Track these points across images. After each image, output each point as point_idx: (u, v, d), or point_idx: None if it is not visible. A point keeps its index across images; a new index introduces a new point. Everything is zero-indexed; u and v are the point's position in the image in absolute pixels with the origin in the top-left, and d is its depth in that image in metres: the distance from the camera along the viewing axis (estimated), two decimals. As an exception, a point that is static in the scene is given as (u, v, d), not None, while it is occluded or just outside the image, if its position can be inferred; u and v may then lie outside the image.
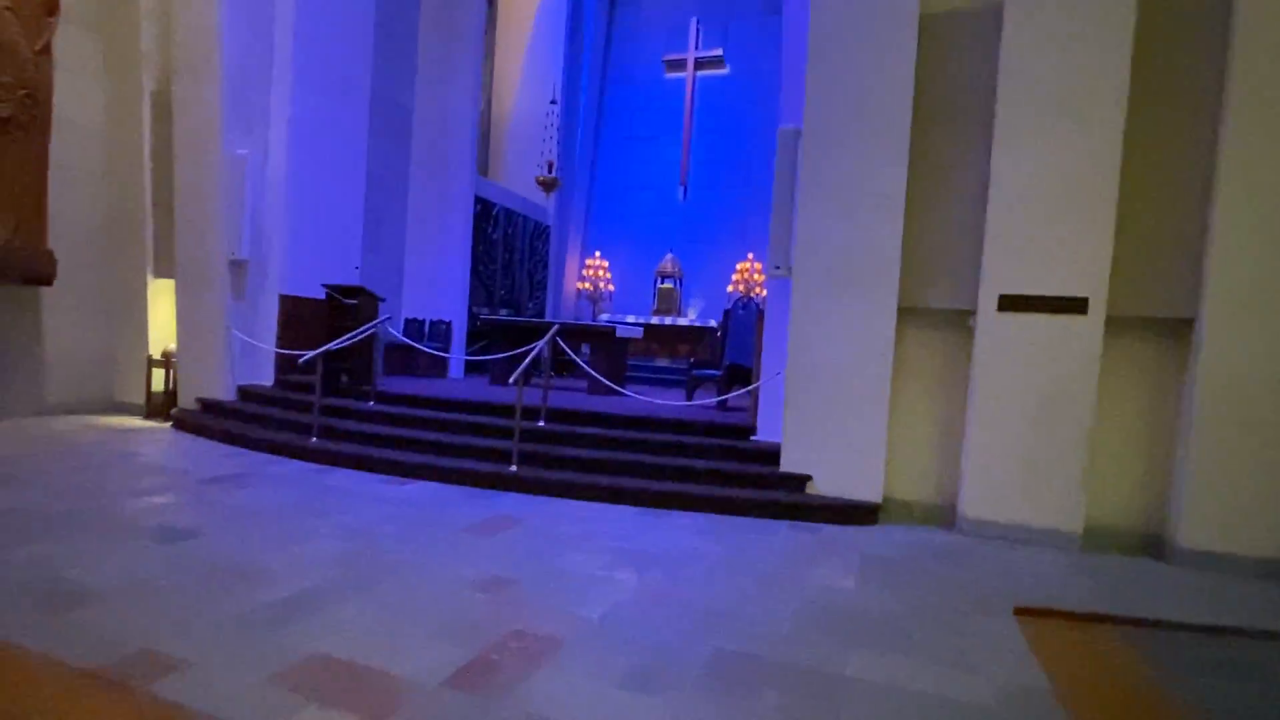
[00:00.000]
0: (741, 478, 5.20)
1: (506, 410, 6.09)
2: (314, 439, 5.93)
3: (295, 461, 5.70)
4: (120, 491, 4.36)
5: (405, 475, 5.35)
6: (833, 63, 4.98)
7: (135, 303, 7.61)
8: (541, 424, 5.82)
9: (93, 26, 7.34)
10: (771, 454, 5.39)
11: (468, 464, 5.36)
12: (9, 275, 6.65)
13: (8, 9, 6.52)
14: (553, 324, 5.94)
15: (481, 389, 7.67)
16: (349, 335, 6.29)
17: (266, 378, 7.61)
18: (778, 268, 5.20)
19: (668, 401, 5.95)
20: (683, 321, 12.11)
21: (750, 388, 5.76)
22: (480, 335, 10.11)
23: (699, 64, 12.76)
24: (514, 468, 5.24)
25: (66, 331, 7.27)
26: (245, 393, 7.32)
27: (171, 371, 7.49)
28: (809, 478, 5.15)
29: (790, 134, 5.20)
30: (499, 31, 11.83)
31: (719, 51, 12.61)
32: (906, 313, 5.00)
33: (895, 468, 5.09)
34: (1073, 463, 4.54)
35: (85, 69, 7.30)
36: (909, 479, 5.15)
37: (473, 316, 9.91)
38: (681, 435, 5.69)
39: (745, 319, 7.17)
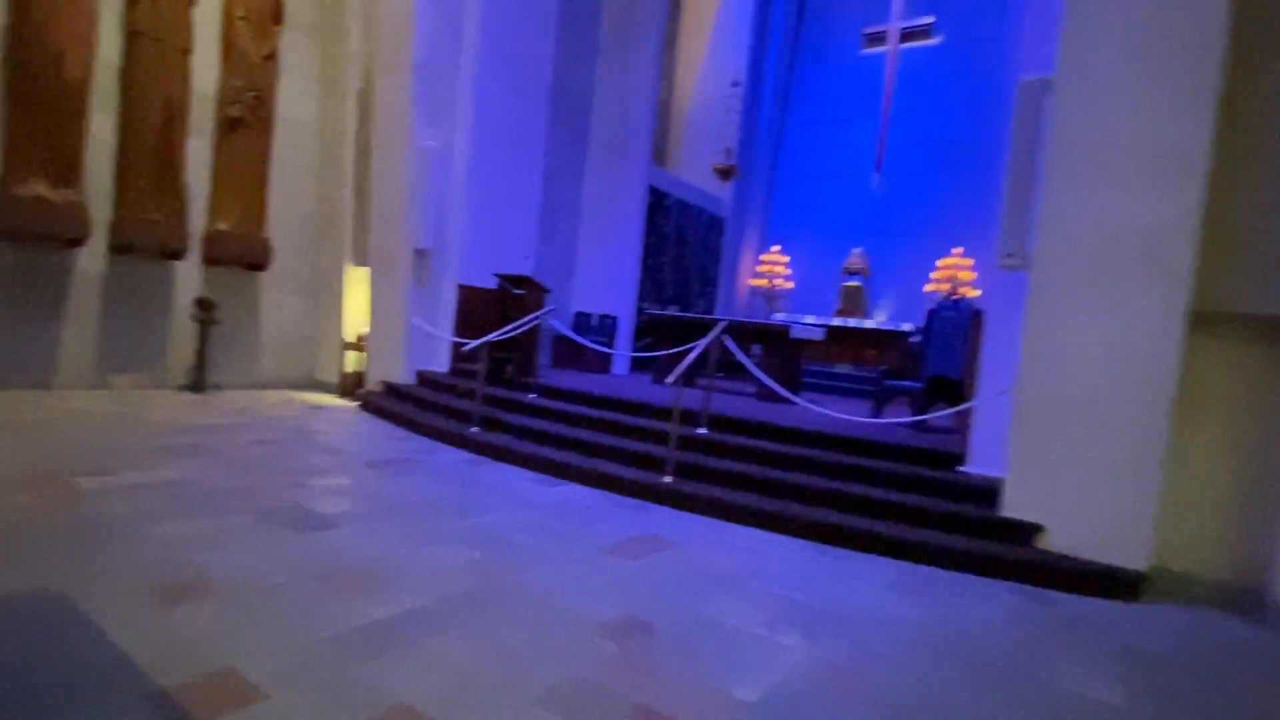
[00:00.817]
0: (947, 519, 4.18)
1: (665, 413, 5.54)
2: (474, 428, 5.82)
3: (455, 450, 5.61)
4: (288, 470, 4.42)
5: (556, 475, 5.00)
6: (1101, -14, 3.78)
7: (334, 288, 8.15)
8: (702, 431, 5.20)
9: (309, 31, 7.94)
10: (987, 492, 4.30)
11: (620, 470, 4.88)
12: (233, 261, 7.36)
13: (241, 19, 7.20)
14: (719, 320, 5.29)
15: (643, 388, 7.23)
16: (513, 325, 6.12)
17: (442, 364, 7.79)
18: (1010, 256, 4.10)
19: (850, 416, 5.05)
20: (870, 324, 10.83)
21: (961, 407, 4.68)
22: (646, 331, 9.73)
23: (904, 35, 11.36)
24: (668, 479, 4.67)
25: (277, 313, 7.95)
26: (422, 377, 7.52)
27: (362, 354, 7.91)
28: (1040, 528, 4.00)
29: (1035, 86, 4.06)
30: (684, 15, 11.39)
31: (929, 20, 11.12)
32: (1201, 319, 3.68)
33: (1170, 527, 3.79)
34: None
35: (302, 71, 7.92)
36: (1191, 544, 3.82)
37: (641, 312, 9.56)
38: (869, 458, 4.76)
39: (954, 323, 6.00)
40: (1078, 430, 3.88)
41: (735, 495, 4.47)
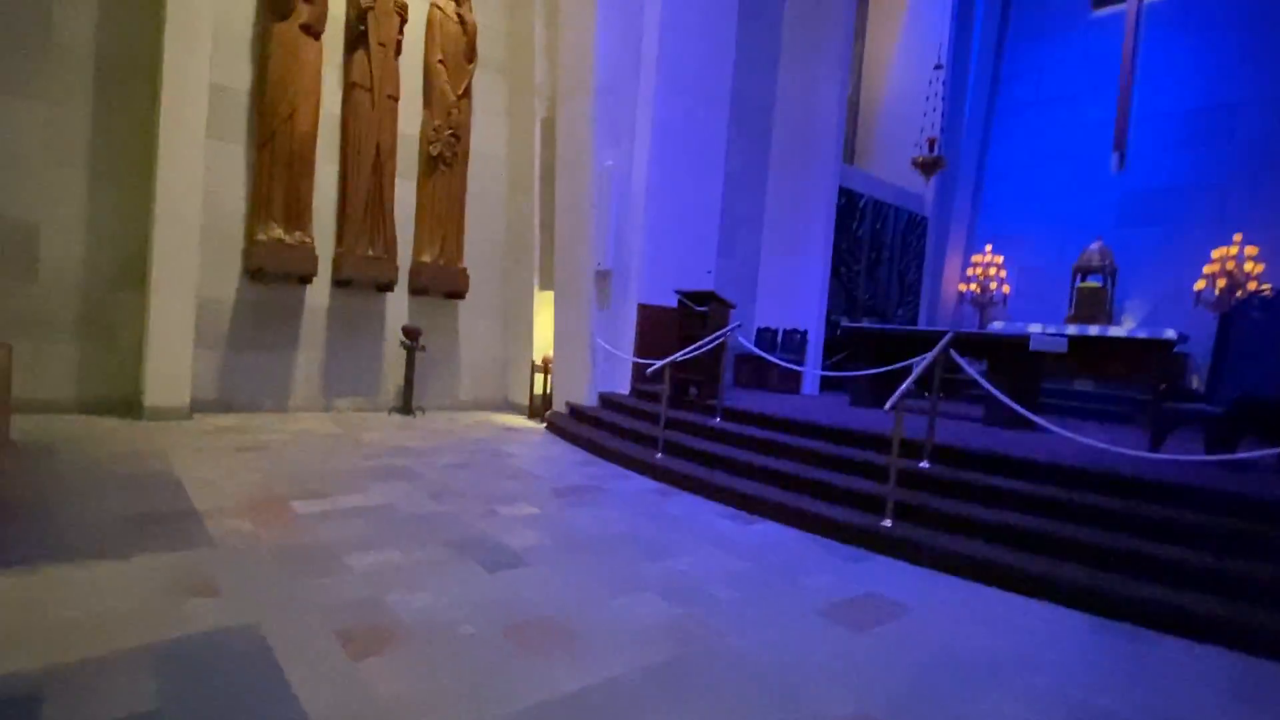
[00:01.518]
0: (1216, 576, 3.06)
1: (876, 442, 4.83)
2: (659, 454, 5.50)
3: (640, 477, 5.32)
4: (481, 495, 4.37)
5: (751, 511, 4.49)
6: None
7: (524, 313, 8.37)
8: (924, 465, 4.41)
9: (499, 68, 8.29)
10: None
11: (827, 509, 4.26)
12: (435, 290, 7.79)
13: (440, 62, 7.66)
14: (944, 332, 4.50)
15: (842, 412, 6.49)
16: (696, 345, 5.74)
17: (624, 386, 7.63)
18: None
19: (1120, 448, 3.95)
20: (1118, 331, 9.03)
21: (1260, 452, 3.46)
22: (839, 346, 8.92)
23: (1147, -13, 9.51)
24: (887, 522, 3.96)
25: (473, 339, 8.31)
26: (605, 400, 7.41)
27: (548, 376, 8.00)
28: None
29: None
30: (871, 8, 10.50)
31: (1181, -37, 9.20)
32: None
33: None
34: None
35: (492, 106, 8.27)
36: None
37: (831, 325, 8.77)
38: (1167, 504, 3.69)
39: (1265, 326, 4.62)
40: None
41: (976, 547, 3.65)
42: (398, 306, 7.63)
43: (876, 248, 9.30)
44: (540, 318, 8.29)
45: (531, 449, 6.25)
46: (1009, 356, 5.98)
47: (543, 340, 8.28)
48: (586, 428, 6.88)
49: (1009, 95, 11.04)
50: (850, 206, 8.76)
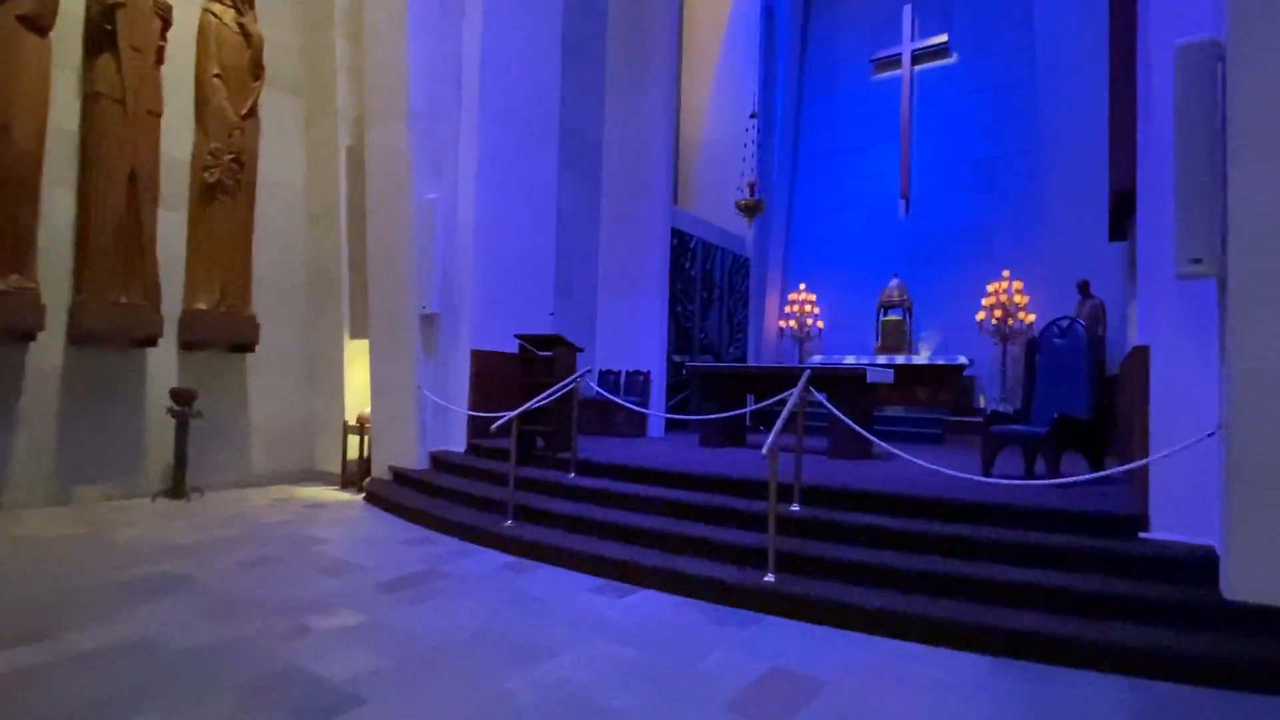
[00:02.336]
0: (1149, 607, 3.18)
1: (745, 487, 4.57)
2: (509, 521, 4.81)
3: (488, 551, 4.59)
4: (286, 606, 3.40)
5: (624, 579, 3.98)
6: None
7: (332, 365, 7.25)
8: (795, 508, 4.22)
9: (293, 87, 7.26)
10: (1198, 565, 3.34)
11: (706, 566, 3.87)
12: (216, 342, 6.45)
13: (217, 76, 6.49)
14: (789, 368, 4.38)
15: (698, 455, 6.24)
16: (548, 393, 5.18)
17: (459, 443, 6.81)
18: (1197, 261, 3.20)
19: (957, 473, 4.03)
20: (921, 360, 9.93)
21: (1142, 462, 3.72)
22: (681, 386, 8.83)
23: (917, 57, 10.86)
24: (770, 576, 3.65)
25: (268, 398, 7.00)
26: (437, 461, 6.54)
27: (366, 438, 6.93)
28: (1289, 612, 3.00)
29: (1199, 51, 3.26)
30: (685, 55, 10.89)
31: (943, 38, 10.63)
32: None
33: None
34: None
35: (286, 130, 7.20)
36: None
37: (672, 365, 8.65)
38: (1022, 530, 3.77)
39: (1067, 352, 5.10)
40: (1326, 479, 2.93)
41: (864, 594, 3.45)
42: (164, 365, 6.18)
43: (708, 287, 9.43)
44: (353, 370, 7.22)
45: (349, 529, 5.24)
46: (848, 390, 6.13)
47: (357, 396, 7.20)
48: (416, 495, 5.96)
49: (809, 146, 11.99)
50: (682, 247, 8.80)
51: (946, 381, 9.62)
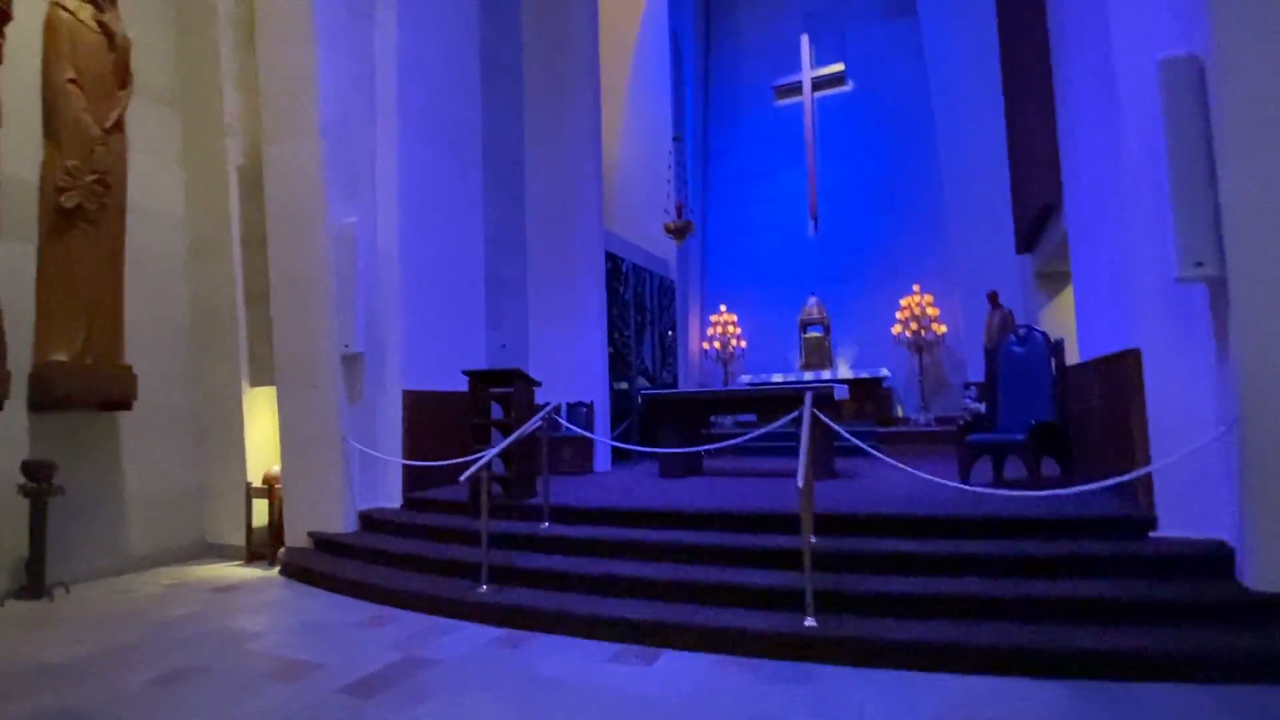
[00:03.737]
0: (1177, 608, 3.16)
1: (760, 523, 4.24)
2: (483, 586, 4.18)
3: (467, 625, 3.94)
4: (237, 737, 2.64)
5: (642, 641, 3.50)
6: (1254, -59, 3.19)
7: (228, 419, 6.21)
8: (814, 541, 3.93)
9: (168, 99, 6.25)
10: (1202, 559, 3.39)
11: (735, 617, 3.49)
12: (80, 401, 5.30)
13: (72, 82, 5.42)
14: (800, 390, 4.17)
15: (672, 488, 5.85)
16: (520, 431, 4.62)
17: (393, 497, 6.00)
18: (1200, 265, 3.29)
19: (944, 481, 3.95)
20: (842, 375, 10.15)
21: (1148, 469, 3.76)
22: (621, 416, 8.42)
23: (816, 84, 11.29)
24: (810, 620, 3.33)
25: (148, 463, 5.86)
26: (369, 521, 5.71)
27: (276, 501, 5.95)
28: (1314, 600, 3.08)
29: (1182, 65, 3.39)
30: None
31: (839, 67, 11.12)
32: None
33: None
34: None
35: (161, 146, 6.17)
36: None
37: (615, 394, 8.24)
38: (1044, 541, 3.71)
39: (1028, 359, 5.23)
40: (1339, 468, 3.04)
41: (920, 629, 3.20)
42: (12, 433, 4.97)
43: (641, 311, 9.13)
44: (255, 423, 6.23)
45: (279, 613, 4.37)
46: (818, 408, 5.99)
47: (261, 453, 6.22)
48: (350, 564, 5.14)
49: (718, 170, 12.13)
50: (615, 270, 8.46)
51: (870, 394, 9.88)
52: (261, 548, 5.92)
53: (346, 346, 5.68)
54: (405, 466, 5.85)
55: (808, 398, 4.11)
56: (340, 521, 5.67)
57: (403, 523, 5.50)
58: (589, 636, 3.61)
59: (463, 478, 4.21)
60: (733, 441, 4.83)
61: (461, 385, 6.00)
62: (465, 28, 7.07)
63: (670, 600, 3.74)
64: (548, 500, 4.82)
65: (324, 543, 5.59)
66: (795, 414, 4.05)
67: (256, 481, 6.08)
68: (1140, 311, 3.85)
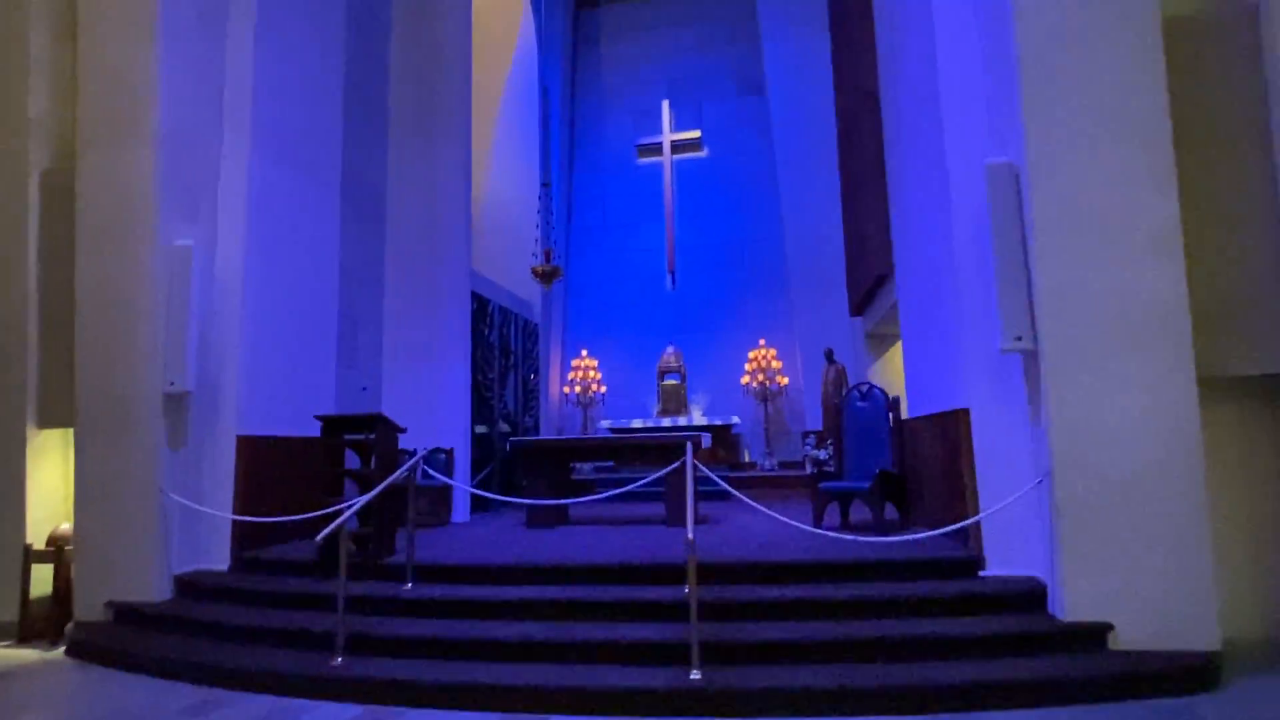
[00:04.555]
0: (1008, 641, 3.58)
1: (640, 574, 4.20)
2: (339, 658, 3.72)
3: (322, 705, 3.48)
4: None
5: (522, 709, 3.30)
6: (1053, 77, 3.87)
7: (7, 466, 5.13)
8: (685, 589, 3.98)
9: (-47, 82, 5.23)
10: (1022, 595, 3.89)
11: (622, 675, 3.40)
12: None
13: None
14: (681, 437, 4.27)
15: (542, 540, 5.65)
16: (387, 482, 4.24)
17: (219, 558, 5.23)
18: (1019, 339, 3.85)
19: (801, 525, 4.25)
20: (697, 421, 10.54)
21: (991, 511, 4.23)
22: (483, 463, 8.07)
23: (675, 147, 11.93)
24: (696, 674, 3.34)
25: (-115, 524, 4.66)
26: (189, 586, 4.92)
27: (63, 566, 4.96)
28: (1109, 627, 3.62)
29: (1004, 171, 4.00)
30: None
31: (696, 134, 11.86)
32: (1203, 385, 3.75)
33: (1224, 595, 3.68)
34: None
35: (-61, 138, 5.12)
36: (1242, 608, 3.75)
37: (476, 439, 7.87)
38: (907, 582, 4.04)
39: (870, 413, 5.75)
40: (1123, 509, 3.64)
41: (805, 674, 3.32)
42: None
43: (505, 354, 8.88)
44: (41, 472, 5.22)
45: (73, 705, 3.61)
46: (671, 454, 6.11)
47: (47, 508, 5.19)
48: (163, 639, 4.39)
49: (583, 217, 12.33)
50: (482, 311, 8.18)
51: (721, 440, 10.33)
52: (40, 624, 4.88)
53: (172, 384, 4.95)
54: (237, 523, 5.14)
55: (688, 448, 4.20)
56: (150, 588, 4.83)
57: (231, 588, 4.81)
58: (466, 708, 3.34)
59: (320, 536, 3.77)
60: (616, 491, 4.79)
61: (308, 430, 5.46)
62: (329, 52, 6.65)
63: (552, 661, 3.58)
64: (412, 557, 4.45)
65: (127, 614, 4.73)
66: (677, 464, 4.11)
67: (39, 543, 5.05)
68: (969, 376, 4.41)
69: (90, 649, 4.43)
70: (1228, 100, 3.85)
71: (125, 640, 4.40)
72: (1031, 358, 3.93)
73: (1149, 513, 3.61)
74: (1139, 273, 3.70)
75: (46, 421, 5.26)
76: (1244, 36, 3.85)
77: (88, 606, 4.84)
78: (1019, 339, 3.86)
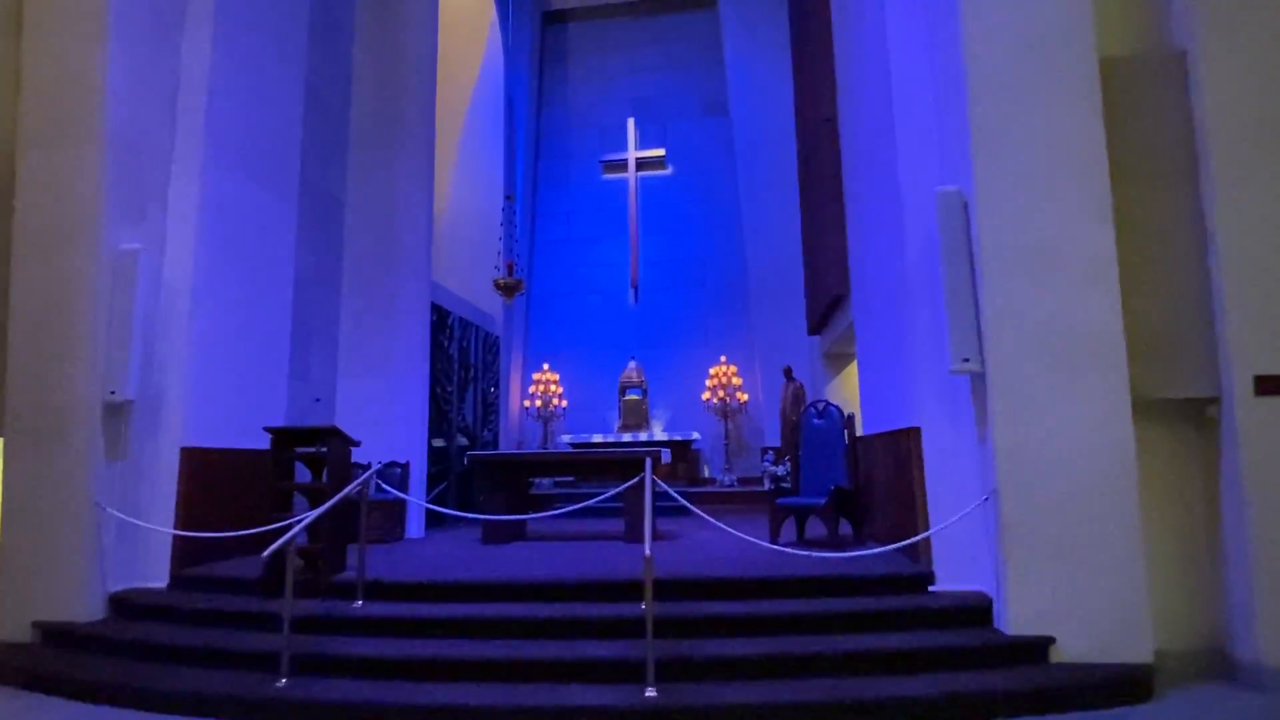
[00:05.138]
0: (956, 655, 3.66)
1: (597, 591, 4.18)
2: (283, 680, 3.59)
3: (261, 731, 3.35)
4: None
5: (477, 730, 3.23)
6: (1000, 112, 4.05)
7: (-75, 478, 4.84)
8: (641, 607, 3.97)
9: (-117, 72, 4.97)
10: (970, 610, 3.99)
11: (578, 694, 3.36)
12: None
13: None
14: (639, 452, 4.28)
15: (498, 556, 5.56)
16: (337, 497, 4.13)
17: (158, 575, 5.01)
18: (967, 361, 3.97)
19: (759, 541, 4.31)
20: (658, 436, 10.56)
21: (943, 526, 4.33)
22: (439, 477, 7.93)
23: (640, 164, 12.04)
24: (651, 691, 3.32)
25: None
26: (123, 605, 4.70)
27: (-14, 583, 4.68)
28: (1051, 640, 3.74)
29: (953, 198, 4.15)
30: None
31: (661, 151, 12.00)
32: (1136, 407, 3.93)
33: (1156, 609, 3.84)
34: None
35: None
36: (1174, 621, 3.91)
37: (433, 452, 7.72)
38: (859, 597, 4.10)
39: (826, 430, 5.85)
40: (1065, 529, 3.78)
41: (760, 690, 3.34)
42: None
43: (465, 367, 8.76)
44: (-35, 484, 4.91)
45: (-10, 736, 3.39)
46: (631, 469, 6.12)
47: (-29, 522, 4.89)
48: (96, 661, 4.17)
49: (546, 231, 12.31)
50: (442, 323, 8.06)
51: (681, 455, 10.37)
52: (-43, 646, 4.58)
53: (113, 393, 4.75)
54: (178, 539, 4.94)
55: (648, 464, 4.21)
56: (82, 607, 4.60)
57: (169, 606, 4.61)
58: (415, 729, 3.26)
59: (266, 552, 3.65)
60: (574, 507, 4.76)
61: (258, 443, 5.29)
62: (289, 59, 6.53)
63: (506, 680, 3.53)
64: (363, 574, 4.34)
65: (56, 634, 4.49)
66: (635, 480, 4.11)
67: (-42, 560, 4.75)
68: (920, 396, 4.53)
69: (13, 672, 4.18)
70: (1160, 138, 4.07)
71: (53, 663, 4.17)
72: (979, 379, 4.06)
73: (1087, 530, 3.75)
74: (1078, 300, 3.87)
75: (-26, 430, 4.98)
76: (1174, 78, 4.08)
77: (13, 626, 4.59)
78: (967, 361, 3.99)
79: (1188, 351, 3.90)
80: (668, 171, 12.12)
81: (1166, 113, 4.06)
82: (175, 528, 4.98)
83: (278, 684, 3.56)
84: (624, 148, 12.08)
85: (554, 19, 12.76)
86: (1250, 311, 3.79)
